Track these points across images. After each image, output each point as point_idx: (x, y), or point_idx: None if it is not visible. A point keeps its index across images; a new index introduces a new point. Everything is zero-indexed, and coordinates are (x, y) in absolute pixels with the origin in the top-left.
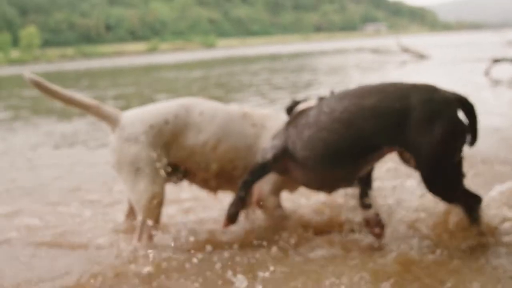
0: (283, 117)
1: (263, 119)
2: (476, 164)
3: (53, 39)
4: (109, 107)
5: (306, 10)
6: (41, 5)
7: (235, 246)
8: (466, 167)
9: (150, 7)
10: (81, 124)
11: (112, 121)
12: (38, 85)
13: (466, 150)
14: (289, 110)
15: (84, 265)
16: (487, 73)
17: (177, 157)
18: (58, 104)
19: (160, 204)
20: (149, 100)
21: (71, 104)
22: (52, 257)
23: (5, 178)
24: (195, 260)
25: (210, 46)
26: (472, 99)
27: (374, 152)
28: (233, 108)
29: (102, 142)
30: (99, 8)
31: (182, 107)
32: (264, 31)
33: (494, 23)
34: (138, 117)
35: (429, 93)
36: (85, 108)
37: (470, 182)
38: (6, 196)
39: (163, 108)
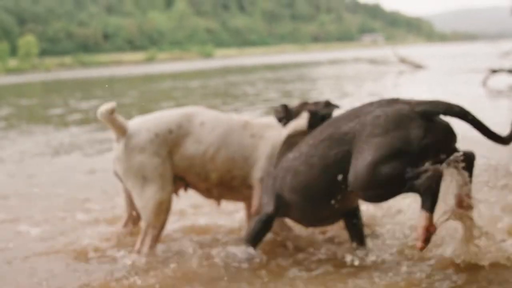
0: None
1: (262, 129)
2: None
3: (51, 48)
4: (119, 116)
5: (304, 20)
6: (39, 14)
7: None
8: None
9: (147, 16)
10: (78, 132)
11: (119, 130)
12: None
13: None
14: (280, 119)
15: (81, 275)
16: (484, 83)
17: (179, 167)
18: (55, 113)
19: (166, 211)
20: (148, 109)
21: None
22: (49, 266)
23: (2, 185)
24: (192, 273)
25: (207, 56)
26: (473, 109)
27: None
28: (234, 118)
29: (99, 149)
30: (97, 17)
31: (185, 116)
32: (261, 41)
33: (489, 33)
34: (144, 126)
35: (378, 109)
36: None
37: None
38: (3, 204)
39: (167, 117)
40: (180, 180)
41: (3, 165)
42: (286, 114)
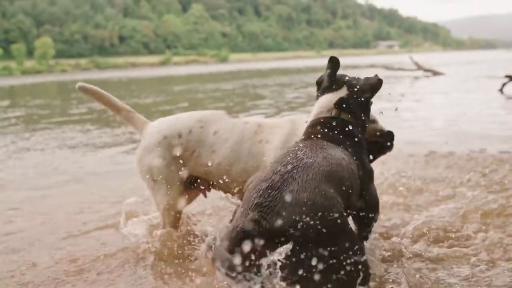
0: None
1: (268, 132)
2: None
3: (67, 50)
4: (139, 115)
5: (320, 25)
6: (56, 16)
7: None
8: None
9: (163, 19)
10: (94, 131)
11: (138, 129)
12: (85, 90)
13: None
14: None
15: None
16: (501, 89)
17: (197, 172)
18: (71, 112)
19: (174, 213)
20: (162, 110)
21: (110, 107)
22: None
23: (26, 182)
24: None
25: (223, 60)
26: (486, 113)
27: None
28: (248, 124)
29: (109, 144)
30: (113, 20)
31: (199, 122)
32: (277, 46)
33: (508, 40)
34: (157, 127)
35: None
36: (120, 113)
37: None
38: (34, 201)
39: (180, 120)
40: (205, 182)
41: (26, 161)
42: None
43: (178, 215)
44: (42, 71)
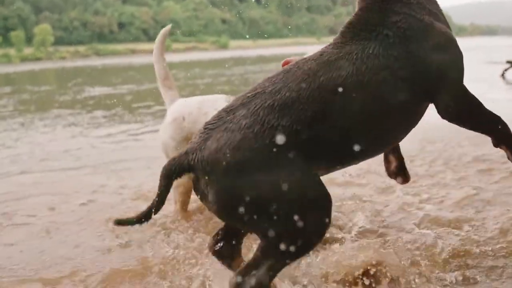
0: None
1: None
2: None
3: (66, 37)
4: (172, 93)
5: (320, 12)
6: (55, 3)
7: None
8: None
9: (162, 6)
10: (98, 114)
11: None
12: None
13: None
14: None
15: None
16: (502, 75)
17: None
18: (72, 98)
19: (184, 192)
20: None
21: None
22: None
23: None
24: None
25: (223, 46)
26: (486, 98)
27: None
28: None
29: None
30: (112, 6)
31: (198, 103)
32: (277, 33)
33: (509, 27)
34: (172, 109)
35: None
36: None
37: None
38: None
39: (187, 103)
40: None
41: (36, 149)
42: None
43: (187, 195)
44: (41, 58)
